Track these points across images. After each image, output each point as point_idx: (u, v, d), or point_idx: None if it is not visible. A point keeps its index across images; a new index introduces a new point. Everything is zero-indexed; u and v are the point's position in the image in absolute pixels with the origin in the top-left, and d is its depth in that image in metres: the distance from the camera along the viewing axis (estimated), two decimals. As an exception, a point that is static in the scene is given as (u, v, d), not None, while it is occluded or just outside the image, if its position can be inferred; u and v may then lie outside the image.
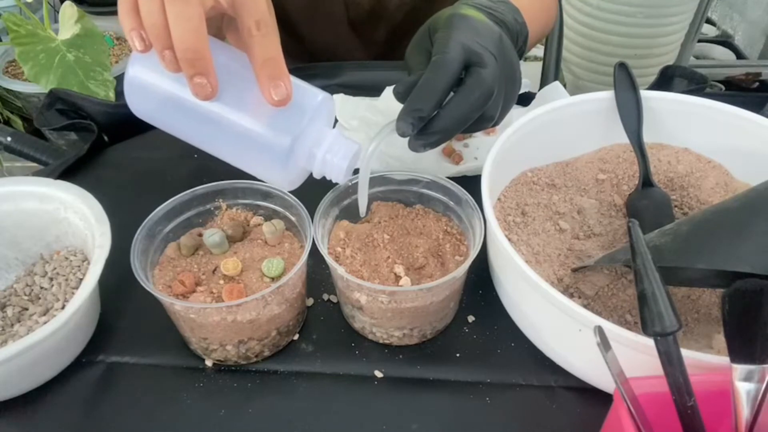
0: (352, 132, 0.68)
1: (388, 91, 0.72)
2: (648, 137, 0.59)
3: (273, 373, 0.48)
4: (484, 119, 0.45)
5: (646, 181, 0.56)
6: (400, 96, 0.43)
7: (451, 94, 0.43)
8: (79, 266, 0.52)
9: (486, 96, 0.43)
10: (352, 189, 0.52)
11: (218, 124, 0.40)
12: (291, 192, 0.51)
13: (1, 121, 1.59)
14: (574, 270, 0.50)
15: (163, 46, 0.37)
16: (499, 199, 0.56)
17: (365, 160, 0.44)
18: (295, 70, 0.80)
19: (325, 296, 0.53)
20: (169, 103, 0.40)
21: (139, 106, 0.42)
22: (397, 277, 0.48)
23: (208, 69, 0.37)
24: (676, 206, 0.57)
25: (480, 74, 0.42)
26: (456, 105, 0.42)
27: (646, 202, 0.55)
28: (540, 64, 1.00)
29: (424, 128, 0.42)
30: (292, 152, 0.40)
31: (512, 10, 0.52)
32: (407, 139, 0.43)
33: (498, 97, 0.44)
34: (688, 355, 0.34)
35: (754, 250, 0.38)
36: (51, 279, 0.51)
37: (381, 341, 0.50)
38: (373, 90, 0.73)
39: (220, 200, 0.53)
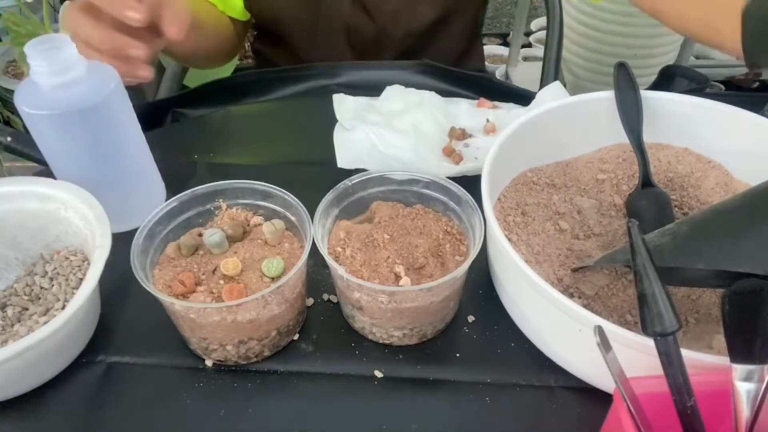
0: (351, 132, 0.67)
1: (388, 91, 0.72)
2: (648, 137, 0.59)
3: (273, 373, 0.48)
4: None
5: (646, 181, 0.56)
6: None
7: None
8: (79, 266, 0.52)
9: None
10: (352, 189, 0.52)
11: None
12: (291, 192, 0.51)
13: (1, 121, 1.59)
14: (574, 270, 0.50)
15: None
16: (499, 199, 0.56)
17: None
18: (295, 70, 0.81)
19: (325, 296, 0.53)
20: None
21: None
22: (397, 277, 0.48)
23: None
24: (676, 206, 0.57)
25: None
26: None
27: (646, 202, 0.55)
28: (540, 64, 1.00)
29: None
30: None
31: None
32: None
33: None
34: (688, 355, 0.34)
35: (754, 250, 0.38)
36: (51, 279, 0.51)
37: (381, 341, 0.50)
38: (373, 90, 0.73)
39: (220, 200, 0.53)
